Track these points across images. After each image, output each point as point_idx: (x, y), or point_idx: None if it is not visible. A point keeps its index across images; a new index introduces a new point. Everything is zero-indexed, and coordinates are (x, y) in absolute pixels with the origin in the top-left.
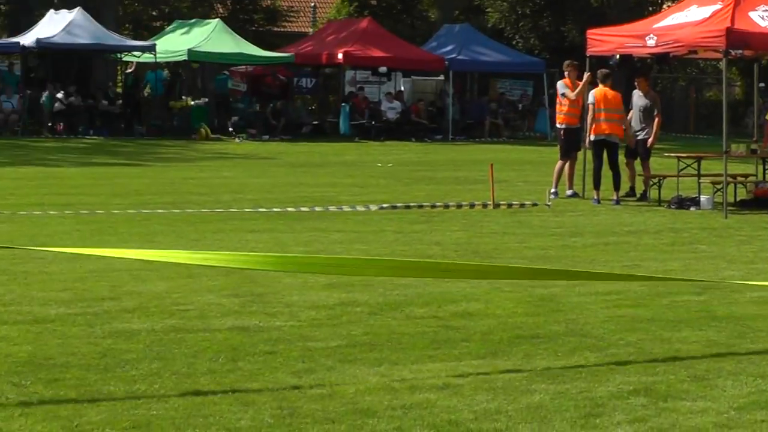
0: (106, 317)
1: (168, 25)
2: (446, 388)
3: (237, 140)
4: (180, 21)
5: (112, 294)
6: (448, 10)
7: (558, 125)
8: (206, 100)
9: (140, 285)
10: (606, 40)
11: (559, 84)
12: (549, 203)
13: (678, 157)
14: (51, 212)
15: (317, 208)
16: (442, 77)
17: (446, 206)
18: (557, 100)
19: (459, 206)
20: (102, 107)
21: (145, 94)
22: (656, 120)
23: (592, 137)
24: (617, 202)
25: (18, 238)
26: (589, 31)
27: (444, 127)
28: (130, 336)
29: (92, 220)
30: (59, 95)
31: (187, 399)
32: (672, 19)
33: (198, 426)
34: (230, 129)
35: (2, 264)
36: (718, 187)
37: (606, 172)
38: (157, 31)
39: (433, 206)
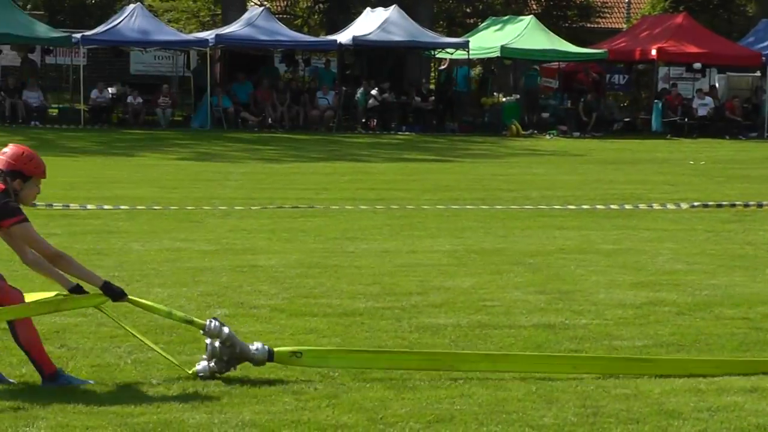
0: (414, 311)
1: (481, 22)
2: (755, 391)
3: (547, 137)
4: (493, 18)
5: (419, 289)
6: (766, 4)
7: None
8: (517, 96)
9: (448, 280)
10: None
11: None
12: None
13: None
14: (362, 207)
15: (627, 206)
16: (758, 73)
17: (759, 205)
18: None
19: None
20: (415, 104)
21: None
22: None
23: None
24: None
25: (330, 233)
26: None
27: (759, 124)
28: (436, 330)
29: (402, 215)
30: (373, 92)
31: (491, 395)
32: None
33: (501, 422)
34: (524, 130)
35: (314, 258)
36: None
37: None
38: (471, 28)
39: (746, 205)
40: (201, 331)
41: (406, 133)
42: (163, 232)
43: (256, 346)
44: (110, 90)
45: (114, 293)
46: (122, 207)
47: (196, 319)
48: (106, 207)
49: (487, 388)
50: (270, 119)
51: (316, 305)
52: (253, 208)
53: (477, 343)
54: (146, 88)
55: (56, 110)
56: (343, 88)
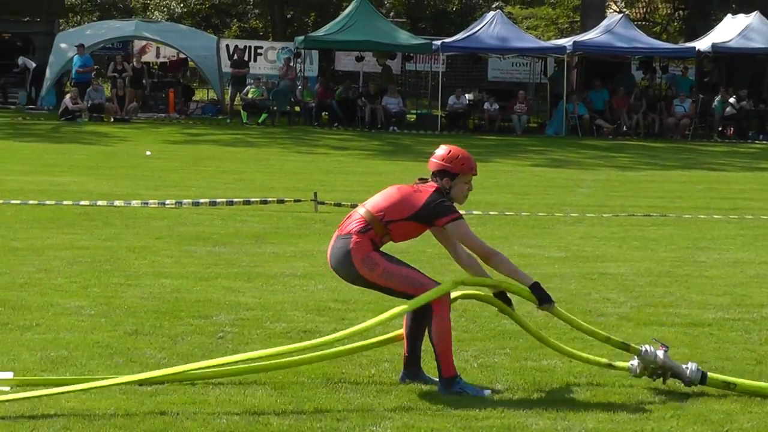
0: (765, 324)
1: None
2: None
3: None
4: None
5: None
6: None
7: None
8: None
9: None
10: None
11: None
12: None
13: None
14: (716, 216)
15: None
16: None
17: None
18: None
19: None
20: None
21: None
22: None
23: None
24: None
25: (681, 242)
26: None
27: None
28: None
29: (756, 225)
30: (731, 99)
31: None
32: None
33: None
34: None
35: (664, 266)
36: None
37: None
38: None
39: None
40: (635, 357)
41: (764, 141)
42: (514, 238)
43: (690, 367)
44: (467, 96)
45: (542, 296)
46: (475, 212)
47: (632, 345)
48: None
49: None
50: (625, 126)
51: (665, 314)
52: (604, 215)
53: None
54: (502, 94)
55: (414, 116)
56: (701, 96)
